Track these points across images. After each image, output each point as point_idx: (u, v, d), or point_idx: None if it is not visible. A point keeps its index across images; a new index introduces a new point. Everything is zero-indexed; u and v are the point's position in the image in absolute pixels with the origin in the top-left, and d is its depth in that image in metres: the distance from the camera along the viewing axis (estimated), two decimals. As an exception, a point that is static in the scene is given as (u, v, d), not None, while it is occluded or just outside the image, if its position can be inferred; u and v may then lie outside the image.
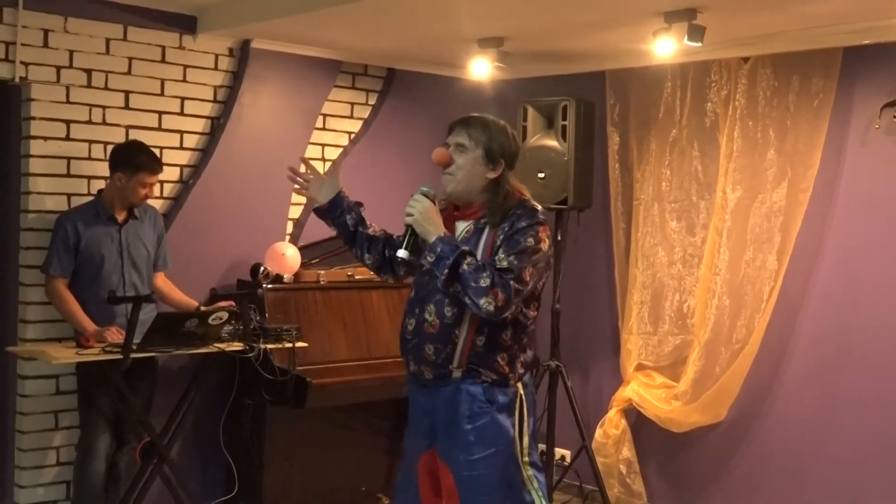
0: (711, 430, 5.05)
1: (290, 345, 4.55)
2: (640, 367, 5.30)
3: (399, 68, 5.70)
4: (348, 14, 4.33)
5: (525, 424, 3.12)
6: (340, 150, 5.52)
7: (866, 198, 4.56)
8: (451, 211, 3.16)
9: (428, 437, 3.19)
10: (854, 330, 4.58)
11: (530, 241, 2.98)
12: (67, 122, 4.58)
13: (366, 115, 5.64)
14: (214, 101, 5.05)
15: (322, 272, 5.18)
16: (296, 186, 3.39)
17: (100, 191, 4.45)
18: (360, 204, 3.34)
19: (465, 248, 2.98)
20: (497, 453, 3.08)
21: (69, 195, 4.57)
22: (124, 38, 4.72)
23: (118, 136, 4.67)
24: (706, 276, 4.98)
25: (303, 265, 5.11)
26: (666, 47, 4.33)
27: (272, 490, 4.85)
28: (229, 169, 5.06)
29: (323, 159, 5.45)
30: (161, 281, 4.62)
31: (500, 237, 3.01)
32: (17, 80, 4.43)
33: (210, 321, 4.23)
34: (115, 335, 4.17)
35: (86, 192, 4.57)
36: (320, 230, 5.35)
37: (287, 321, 4.78)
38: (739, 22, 4.37)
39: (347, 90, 5.55)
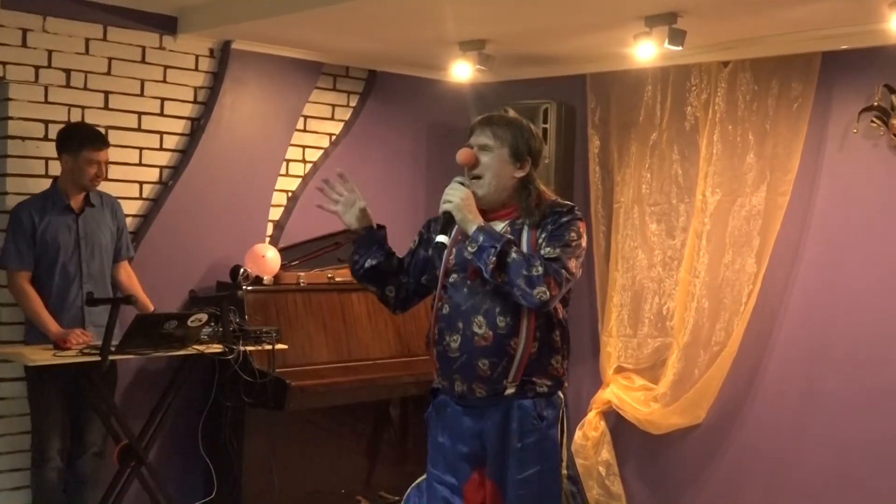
0: (690, 432, 5.07)
1: (269, 347, 4.54)
2: (619, 370, 5.32)
3: (381, 70, 5.69)
4: (330, 16, 4.32)
5: (564, 437, 3.07)
6: (321, 151, 5.51)
7: (844, 201, 4.60)
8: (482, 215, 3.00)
9: (473, 461, 3.03)
10: (832, 332, 4.61)
11: (573, 234, 2.92)
12: (46, 123, 4.54)
13: (347, 116, 5.63)
14: (195, 102, 5.02)
15: (302, 274, 5.16)
16: (317, 203, 3.19)
17: (54, 179, 4.38)
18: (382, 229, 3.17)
19: (509, 236, 2.89)
20: (544, 470, 2.98)
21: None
22: (104, 38, 4.69)
23: (97, 137, 4.64)
24: (685, 278, 5.01)
25: (283, 267, 5.09)
26: (647, 51, 4.34)
27: (251, 493, 4.83)
28: (209, 170, 5.04)
29: (304, 161, 5.44)
30: (124, 273, 4.53)
31: (543, 235, 2.92)
32: (-6, 79, 4.41)
33: (189, 323, 4.21)
34: (80, 338, 4.11)
35: (64, 192, 4.54)
36: (301, 232, 5.36)
37: (267, 323, 4.76)
38: (719, 26, 4.39)
39: (329, 92, 5.54)
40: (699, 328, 4.94)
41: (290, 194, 5.40)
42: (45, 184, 4.52)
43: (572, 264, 2.90)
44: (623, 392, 5.26)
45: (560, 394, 3.03)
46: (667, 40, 4.15)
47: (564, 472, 3.11)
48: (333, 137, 5.57)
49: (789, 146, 4.70)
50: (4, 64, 4.41)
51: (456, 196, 2.91)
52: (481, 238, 2.84)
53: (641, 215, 5.25)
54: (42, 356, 4.03)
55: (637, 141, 5.27)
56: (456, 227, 2.94)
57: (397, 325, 5.43)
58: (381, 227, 3.14)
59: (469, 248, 2.86)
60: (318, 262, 5.34)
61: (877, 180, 4.49)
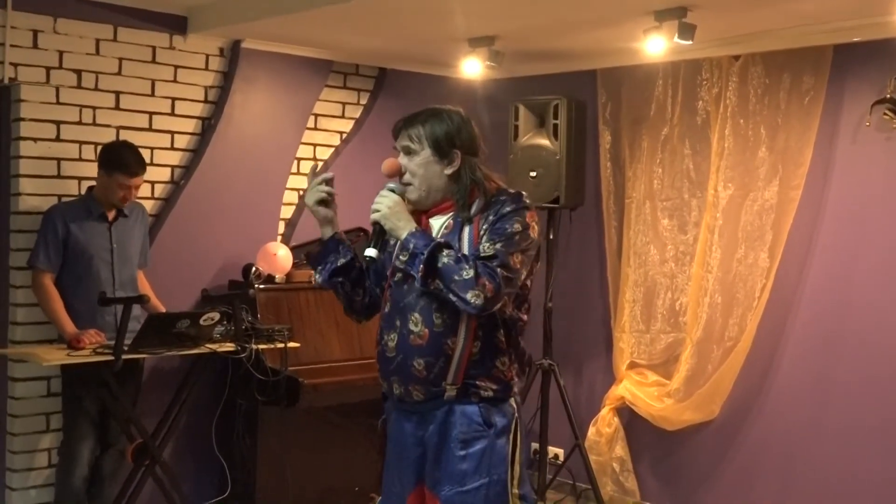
0: (704, 428, 5.06)
1: (282, 345, 4.54)
2: (632, 366, 5.31)
3: (390, 68, 5.69)
4: (339, 13, 4.32)
5: (518, 450, 2.81)
6: (332, 149, 5.52)
7: (857, 194, 4.57)
8: (420, 214, 2.84)
9: (418, 471, 2.84)
10: (846, 327, 4.59)
11: (517, 226, 2.69)
12: (57, 123, 4.56)
13: (357, 114, 5.63)
14: (205, 101, 5.04)
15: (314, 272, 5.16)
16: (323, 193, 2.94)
17: (90, 188, 4.43)
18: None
19: (441, 240, 2.70)
20: (491, 483, 2.74)
21: (59, 196, 4.54)
22: (114, 39, 4.71)
23: (108, 137, 4.65)
24: (698, 273, 4.99)
25: (294, 265, 5.10)
26: (657, 46, 4.33)
27: (265, 490, 4.84)
28: (220, 169, 5.05)
29: (314, 159, 5.44)
30: (139, 280, 4.57)
31: (485, 227, 2.71)
32: (6, 81, 4.42)
33: (202, 322, 4.22)
34: (94, 338, 4.14)
35: (76, 193, 4.55)
36: (312, 230, 5.35)
37: (279, 321, 4.77)
38: (730, 20, 4.37)
39: (339, 90, 5.54)
40: (712, 323, 4.93)
41: (301, 193, 5.40)
42: (58, 185, 4.55)
43: (515, 260, 2.66)
44: (636, 388, 5.25)
45: (512, 402, 2.82)
46: (677, 35, 4.14)
47: (515, 490, 2.77)
48: (344, 135, 5.57)
49: (801, 140, 4.68)
50: (16, 65, 4.43)
51: (383, 204, 2.74)
52: (412, 244, 2.66)
53: (653, 210, 5.23)
54: (56, 356, 4.06)
55: (648, 136, 5.25)
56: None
57: (409, 322, 5.42)
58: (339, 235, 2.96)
59: (401, 257, 2.69)
60: (330, 260, 5.34)
61: (890, 173, 4.46)
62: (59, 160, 4.57)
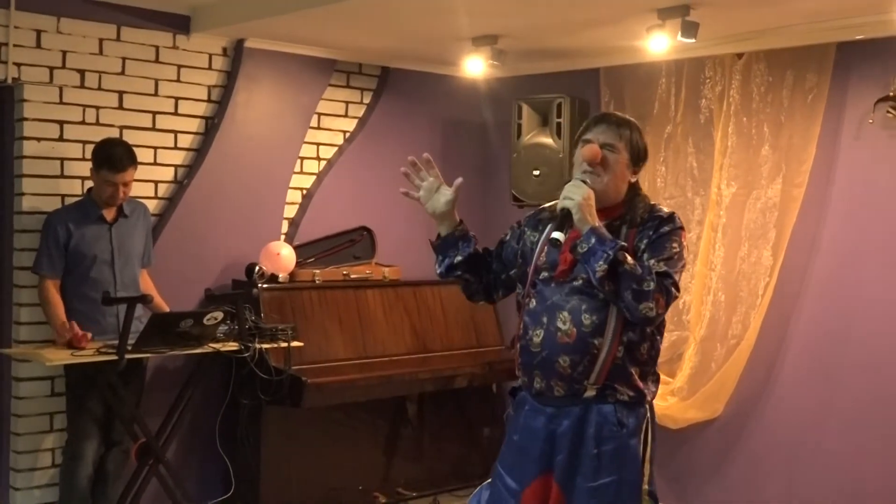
0: (708, 426, 5.05)
1: (285, 344, 4.55)
2: (636, 364, 5.30)
3: (393, 67, 5.69)
4: (342, 12, 4.32)
5: (649, 450, 2.90)
6: (336, 149, 5.52)
7: (861, 192, 4.57)
8: None
9: (541, 462, 2.89)
10: (850, 324, 4.58)
11: (675, 246, 2.82)
12: (61, 123, 4.57)
13: (361, 113, 5.63)
14: (209, 100, 5.04)
15: (317, 271, 5.17)
16: (402, 190, 3.06)
17: (89, 189, 4.43)
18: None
19: (623, 242, 2.75)
20: (622, 481, 2.82)
21: (63, 196, 4.55)
22: (117, 39, 4.71)
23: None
24: (701, 272, 4.99)
25: (298, 264, 5.11)
26: (660, 44, 4.32)
27: (269, 490, 4.84)
28: (224, 169, 5.05)
29: (318, 158, 5.44)
30: (142, 280, 4.56)
31: (644, 241, 2.82)
32: (9, 81, 4.42)
33: (205, 321, 4.22)
34: (81, 340, 4.12)
35: (80, 193, 4.55)
36: (316, 229, 5.37)
37: (283, 321, 4.77)
38: (733, 18, 4.37)
39: (342, 89, 5.54)
40: (716, 321, 4.92)
41: (304, 192, 5.40)
42: (61, 185, 4.56)
43: (679, 279, 2.79)
44: (640, 386, 5.24)
45: (647, 407, 2.91)
46: (680, 33, 4.13)
47: (646, 487, 2.87)
48: (347, 134, 5.57)
49: (804, 137, 4.67)
50: (19, 65, 4.43)
51: (577, 194, 2.77)
52: (593, 240, 2.71)
53: (657, 209, 5.23)
54: (60, 356, 4.06)
55: (652, 134, 5.24)
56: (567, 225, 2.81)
57: (413, 321, 5.43)
58: (461, 224, 3.03)
59: (579, 249, 2.74)
60: (334, 259, 5.35)
61: (893, 170, 4.45)
62: (62, 160, 4.57)
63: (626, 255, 2.72)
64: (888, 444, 4.44)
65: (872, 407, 4.49)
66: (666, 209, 2.92)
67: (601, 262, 2.68)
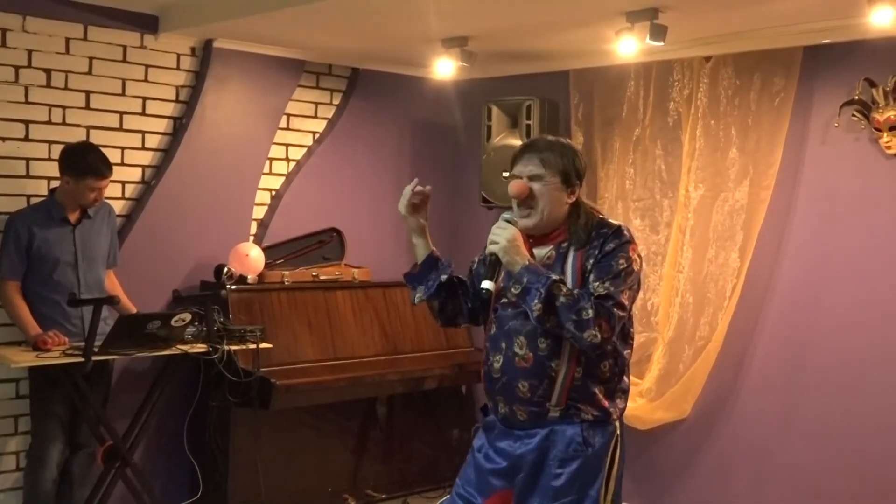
0: (676, 427, 5.08)
1: (254, 346, 4.53)
2: (605, 365, 5.32)
3: (363, 68, 5.68)
4: (312, 13, 4.31)
5: (615, 470, 2.88)
6: (305, 150, 5.50)
7: (826, 195, 4.61)
8: (525, 240, 2.87)
9: (503, 478, 2.90)
10: (816, 325, 4.63)
11: (622, 262, 2.77)
12: (26, 123, 4.52)
13: (330, 114, 5.61)
14: (177, 101, 5.00)
15: (286, 273, 5.16)
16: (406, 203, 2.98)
17: (52, 190, 4.38)
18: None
19: (556, 276, 2.74)
20: (581, 500, 2.82)
21: (28, 196, 4.50)
22: (84, 38, 4.67)
23: (78, 137, 4.60)
24: (670, 273, 5.02)
25: (267, 266, 5.09)
26: (629, 47, 4.35)
27: (237, 492, 4.82)
28: (192, 169, 5.02)
29: (287, 159, 5.42)
30: (108, 282, 4.53)
31: (590, 262, 2.79)
32: (-26, 79, 4.38)
33: (173, 322, 4.20)
34: (56, 339, 4.10)
35: (45, 193, 4.49)
36: (285, 231, 5.35)
37: (251, 322, 4.75)
38: (701, 21, 4.40)
39: (311, 90, 5.53)
40: (684, 323, 4.96)
41: (273, 193, 5.38)
42: (27, 185, 4.51)
43: (624, 297, 2.76)
44: (609, 387, 5.26)
45: (615, 423, 2.89)
46: (648, 36, 4.15)
47: None
48: (317, 135, 5.56)
49: (772, 141, 4.71)
50: (-16, 64, 4.39)
51: (502, 237, 2.78)
52: (525, 279, 2.72)
53: (625, 211, 5.26)
54: (24, 358, 4.01)
55: (620, 136, 5.28)
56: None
57: (383, 323, 5.43)
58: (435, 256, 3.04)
59: (513, 290, 2.75)
60: (303, 260, 5.33)
61: (858, 173, 4.50)
62: (27, 160, 4.53)
63: (561, 285, 2.72)
64: (854, 442, 4.49)
65: (838, 407, 4.54)
66: (614, 222, 2.89)
67: (535, 301, 2.69)
